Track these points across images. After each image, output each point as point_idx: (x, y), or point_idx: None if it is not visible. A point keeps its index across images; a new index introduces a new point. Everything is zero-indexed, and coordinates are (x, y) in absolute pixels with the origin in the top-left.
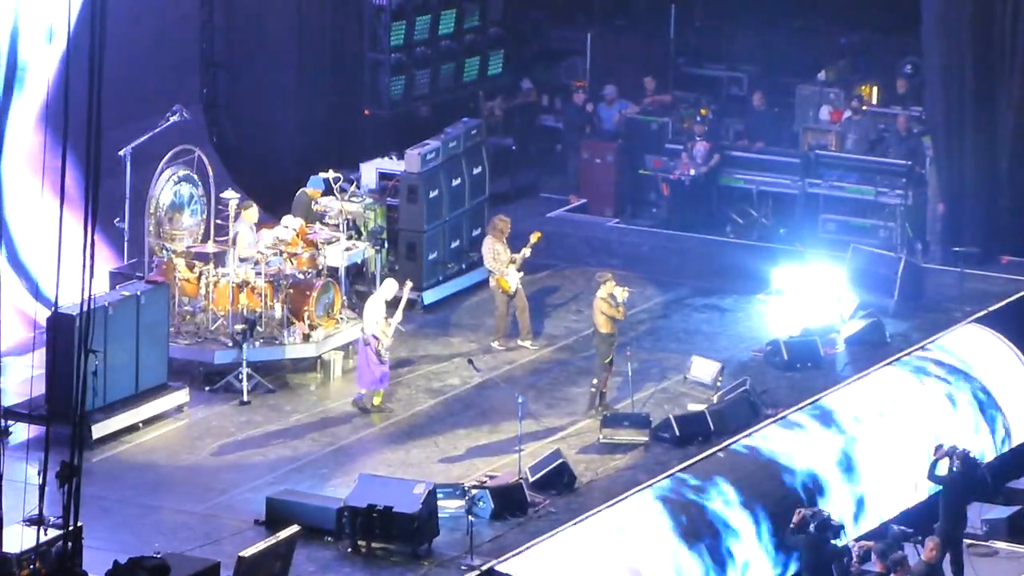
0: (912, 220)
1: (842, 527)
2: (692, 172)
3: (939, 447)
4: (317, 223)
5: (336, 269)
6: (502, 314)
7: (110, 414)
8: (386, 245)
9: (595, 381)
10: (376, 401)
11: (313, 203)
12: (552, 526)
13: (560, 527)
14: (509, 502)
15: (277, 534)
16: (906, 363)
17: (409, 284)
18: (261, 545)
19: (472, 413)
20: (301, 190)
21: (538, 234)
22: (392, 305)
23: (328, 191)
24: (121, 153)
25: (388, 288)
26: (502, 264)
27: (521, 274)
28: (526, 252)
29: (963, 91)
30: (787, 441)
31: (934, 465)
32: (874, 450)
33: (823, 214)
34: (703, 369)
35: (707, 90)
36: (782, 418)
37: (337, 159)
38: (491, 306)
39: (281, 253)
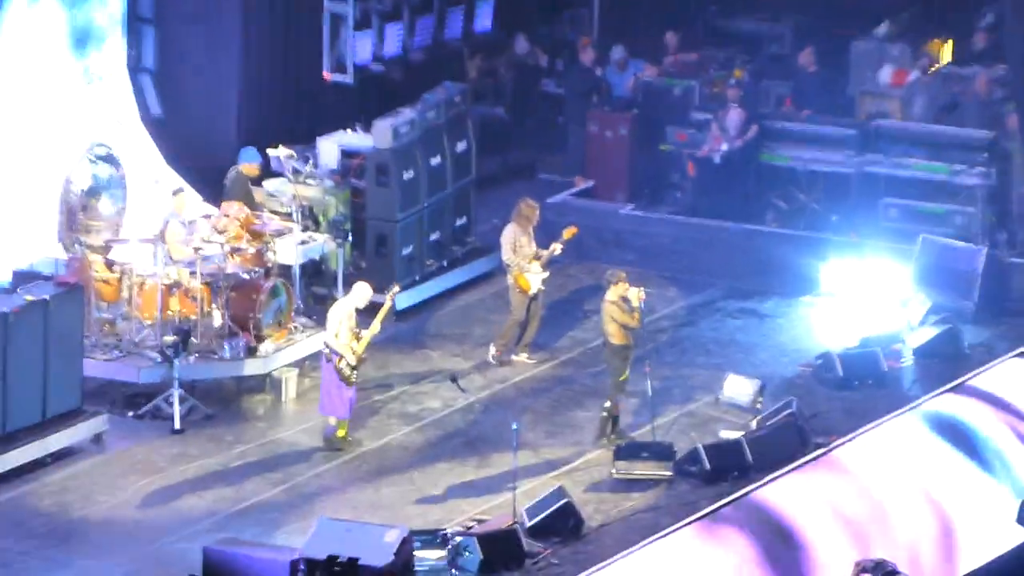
0: (995, 204)
1: None
2: (724, 147)
3: None
4: (266, 210)
5: (289, 267)
6: (516, 320)
7: (11, 446)
8: (350, 238)
9: (607, 404)
10: (340, 433)
11: (250, 184)
12: None
13: None
14: (502, 552)
15: None
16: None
17: (396, 289)
18: None
19: (456, 443)
20: (233, 167)
21: (573, 229)
22: (367, 314)
23: (271, 168)
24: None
25: (359, 294)
26: (523, 258)
27: (547, 274)
28: (556, 249)
29: None
30: None
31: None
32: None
33: (884, 197)
34: (739, 388)
35: (742, 47)
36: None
37: (290, 133)
38: (479, 313)
39: (221, 247)
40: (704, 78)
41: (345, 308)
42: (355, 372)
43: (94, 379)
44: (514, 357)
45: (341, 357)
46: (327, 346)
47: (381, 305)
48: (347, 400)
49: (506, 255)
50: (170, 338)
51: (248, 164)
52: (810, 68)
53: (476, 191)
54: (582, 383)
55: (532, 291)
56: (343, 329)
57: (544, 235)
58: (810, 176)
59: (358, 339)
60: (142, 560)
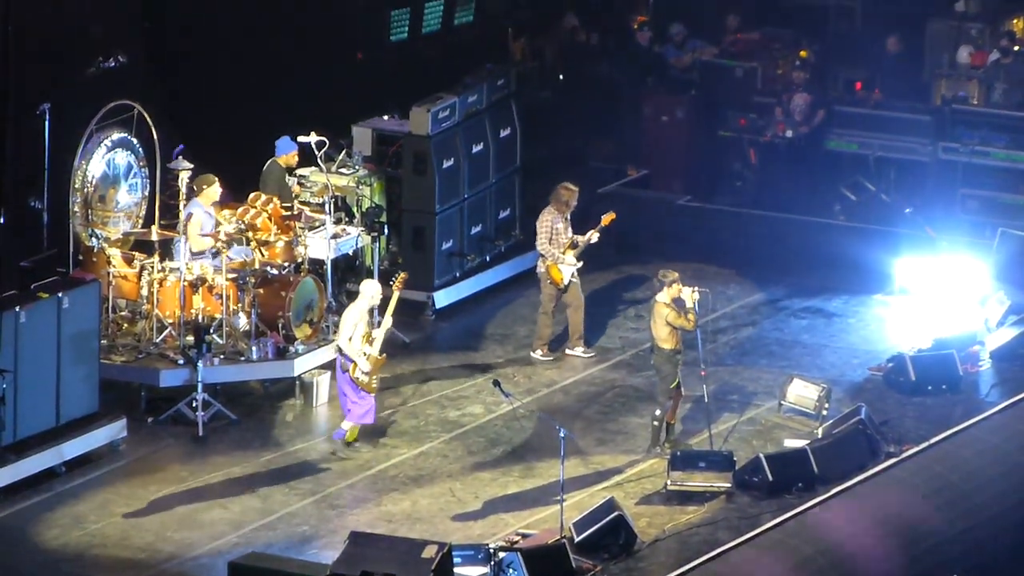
0: None
1: None
2: (789, 133)
3: None
4: (295, 202)
5: (320, 262)
6: (547, 313)
7: (23, 453)
8: (386, 231)
9: (658, 411)
10: (349, 437)
11: (288, 175)
12: None
13: None
14: (548, 569)
15: None
16: None
17: (401, 277)
18: None
19: (499, 451)
20: (272, 159)
21: (612, 215)
22: (381, 311)
23: (310, 159)
24: (38, 112)
25: (369, 293)
26: (559, 247)
27: (580, 264)
28: (592, 236)
29: None
30: None
31: None
32: None
33: (962, 188)
34: (804, 393)
35: (808, 26)
36: (909, 458)
37: (323, 118)
38: (523, 311)
39: (248, 241)
40: (767, 59)
41: (357, 311)
42: (373, 378)
43: (112, 382)
44: (568, 352)
45: (355, 364)
46: (340, 352)
47: (396, 301)
48: (368, 407)
49: (541, 243)
50: (193, 338)
51: (284, 155)
52: (896, 52)
53: (521, 181)
54: (636, 387)
55: (563, 283)
56: (356, 334)
57: (587, 226)
58: (881, 165)
59: (368, 342)
60: None
